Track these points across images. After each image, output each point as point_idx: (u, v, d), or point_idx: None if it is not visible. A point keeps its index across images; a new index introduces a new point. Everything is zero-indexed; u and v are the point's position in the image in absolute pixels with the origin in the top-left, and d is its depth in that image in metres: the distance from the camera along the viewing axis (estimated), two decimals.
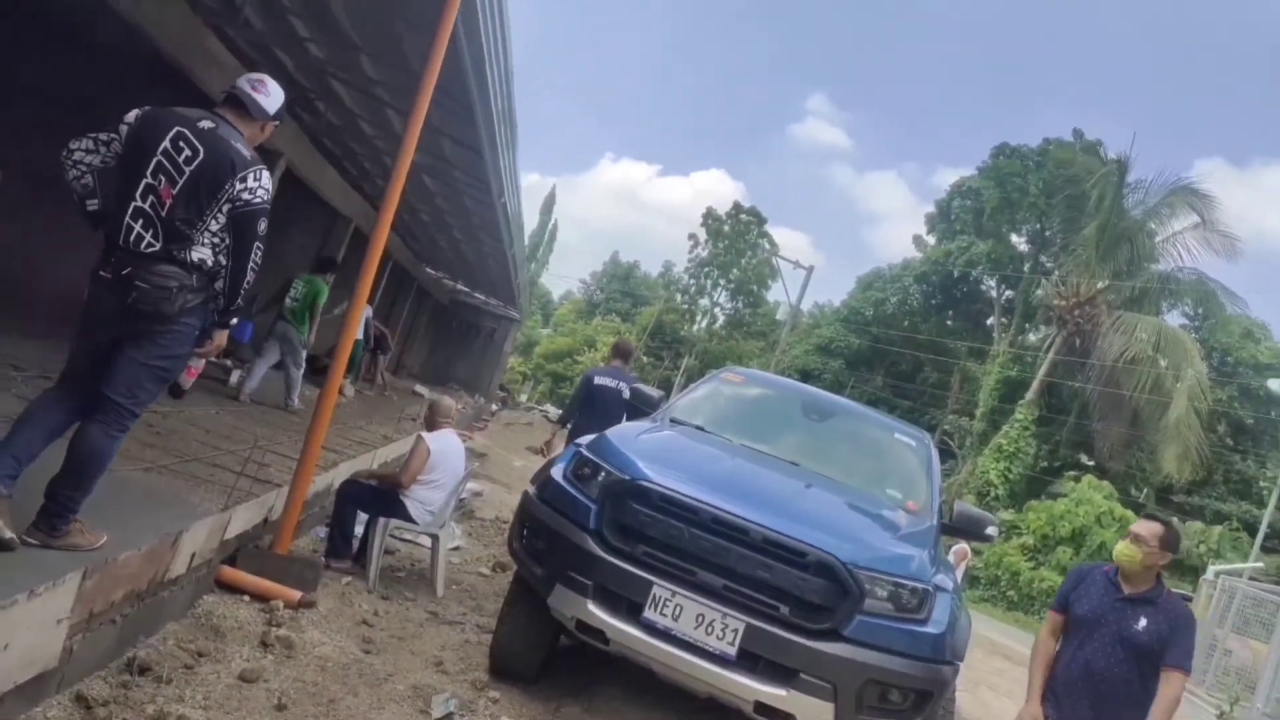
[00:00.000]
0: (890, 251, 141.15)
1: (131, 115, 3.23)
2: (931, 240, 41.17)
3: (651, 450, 4.46)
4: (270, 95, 3.48)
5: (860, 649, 3.69)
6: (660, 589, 3.77)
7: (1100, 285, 27.72)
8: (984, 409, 32.81)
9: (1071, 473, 30.20)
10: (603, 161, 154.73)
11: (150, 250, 3.15)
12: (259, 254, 3.36)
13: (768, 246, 47.98)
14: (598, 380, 7.13)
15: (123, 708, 3.08)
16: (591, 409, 6.83)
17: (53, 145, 3.29)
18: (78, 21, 8.24)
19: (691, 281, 50.82)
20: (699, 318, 51.36)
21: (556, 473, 4.38)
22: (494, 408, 28.38)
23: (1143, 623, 3.80)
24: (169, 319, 3.20)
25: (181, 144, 3.19)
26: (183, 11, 7.36)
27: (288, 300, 9.18)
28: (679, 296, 52.45)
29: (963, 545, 13.76)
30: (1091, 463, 30.82)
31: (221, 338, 3.52)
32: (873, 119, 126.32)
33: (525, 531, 4.32)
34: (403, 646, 4.68)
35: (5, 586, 2.65)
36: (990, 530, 5.02)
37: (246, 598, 4.46)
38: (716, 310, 51.12)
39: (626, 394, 6.29)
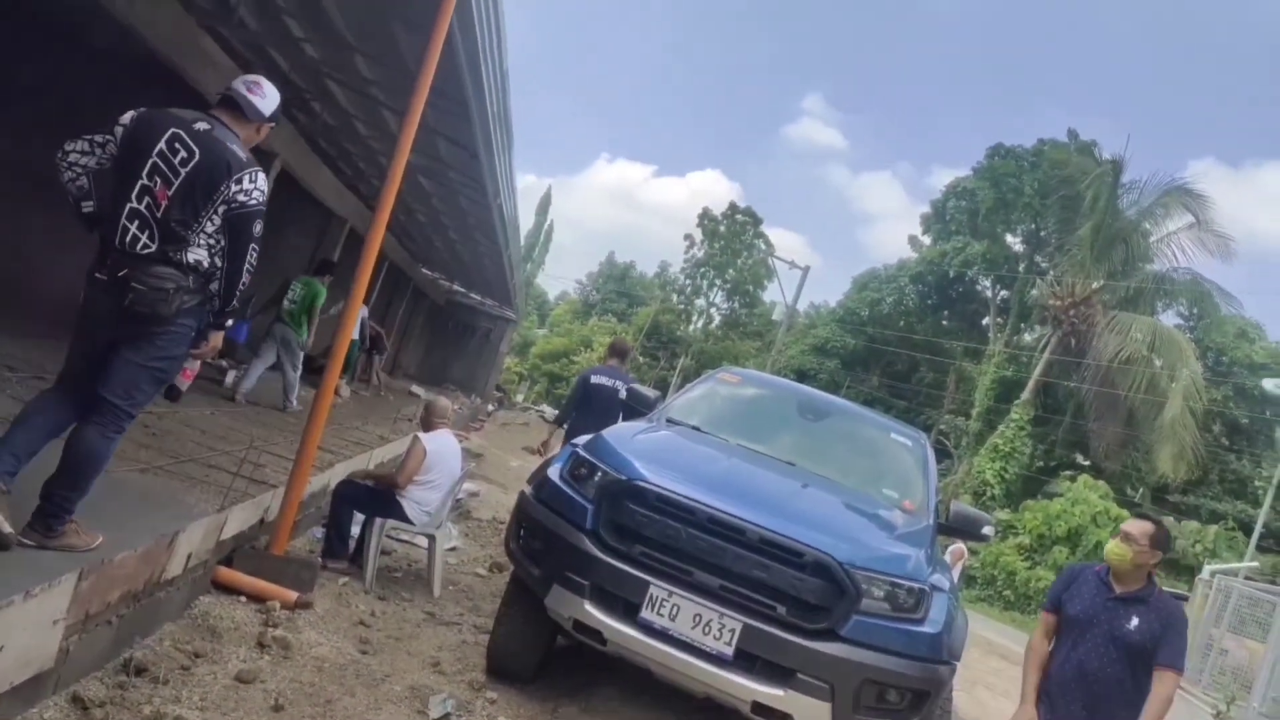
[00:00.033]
0: (886, 252, 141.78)
1: (127, 117, 3.23)
2: (927, 240, 41.27)
3: (648, 450, 4.46)
4: (266, 97, 3.48)
5: (857, 649, 3.70)
6: (657, 589, 3.77)
7: (1095, 285, 27.78)
8: (980, 409, 32.88)
9: (1067, 472, 30.23)
10: (598, 162, 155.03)
11: (146, 252, 3.15)
12: (255, 255, 3.36)
13: (763, 247, 48.08)
14: (594, 379, 7.13)
15: (119, 708, 3.08)
16: (589, 408, 6.84)
17: (50, 145, 3.28)
18: (77, 21, 8.22)
19: (687, 282, 50.90)
20: (695, 318, 51.46)
21: (553, 473, 4.38)
22: (490, 408, 28.36)
23: (1135, 622, 3.80)
24: (165, 320, 3.20)
25: (177, 145, 3.18)
26: (176, 12, 7.36)
27: (286, 303, 9.16)
28: (675, 297, 52.53)
29: (959, 545, 13.80)
30: (1087, 462, 30.87)
31: (217, 339, 3.52)
32: (868, 119, 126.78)
33: (522, 532, 4.32)
34: (400, 647, 4.68)
35: (1, 587, 2.65)
36: (986, 530, 5.03)
37: (243, 598, 4.45)
38: (712, 310, 51.24)
39: (623, 393, 6.30)
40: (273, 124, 3.58)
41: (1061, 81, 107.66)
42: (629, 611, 3.80)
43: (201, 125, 3.26)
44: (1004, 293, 38.58)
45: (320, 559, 5.55)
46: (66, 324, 3.44)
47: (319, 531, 6.19)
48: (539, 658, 4.56)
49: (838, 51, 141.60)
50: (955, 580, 5.34)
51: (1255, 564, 19.17)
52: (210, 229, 3.25)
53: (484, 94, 7.04)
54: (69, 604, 2.96)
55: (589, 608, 3.84)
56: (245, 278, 3.36)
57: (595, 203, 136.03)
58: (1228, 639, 12.94)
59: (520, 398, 46.79)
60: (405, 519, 5.79)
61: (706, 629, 3.71)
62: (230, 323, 3.53)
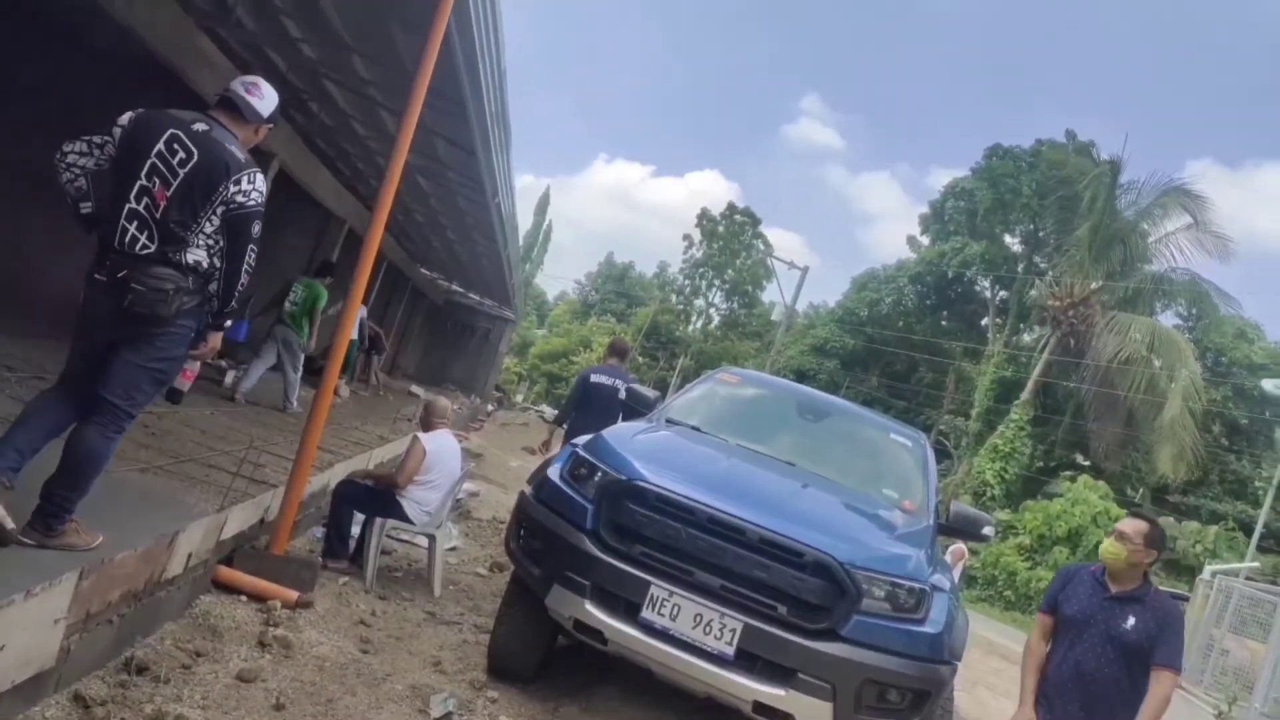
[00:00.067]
0: (884, 252, 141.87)
1: (125, 117, 3.23)
2: (925, 241, 41.28)
3: (648, 450, 4.46)
4: (264, 98, 3.48)
5: (858, 649, 3.70)
6: (658, 589, 3.77)
7: (1094, 286, 27.80)
8: (979, 409, 32.90)
9: (1067, 473, 30.26)
10: (597, 162, 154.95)
11: (145, 252, 3.15)
12: (253, 256, 3.36)
13: (762, 247, 48.13)
14: (594, 379, 7.13)
15: (120, 707, 3.08)
16: (588, 408, 6.83)
17: (50, 146, 3.28)
18: (76, 22, 8.23)
19: (686, 282, 50.92)
20: (694, 318, 51.47)
21: (553, 473, 4.38)
22: (490, 408, 28.35)
23: (1131, 621, 3.79)
24: (165, 321, 3.20)
25: (176, 146, 3.18)
26: (174, 13, 7.36)
27: (287, 304, 9.16)
28: (674, 297, 52.55)
29: (960, 545, 13.80)
30: (1087, 463, 30.90)
31: (216, 340, 3.52)
32: (866, 120, 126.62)
33: (522, 532, 4.32)
34: (400, 646, 4.68)
35: (2, 587, 2.65)
36: (987, 530, 5.03)
37: (244, 598, 4.45)
38: (711, 311, 51.27)
39: (623, 393, 6.30)
40: (271, 125, 3.58)
41: (1060, 82, 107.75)
42: (630, 611, 3.79)
43: (200, 126, 3.26)
44: (1003, 293, 38.59)
45: (320, 559, 5.55)
46: (66, 324, 3.44)
47: (319, 531, 6.19)
48: (540, 657, 4.56)
49: (836, 52, 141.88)
50: (956, 580, 5.34)
51: (1256, 564, 19.17)
52: (209, 230, 3.25)
53: (482, 94, 7.04)
54: (70, 603, 2.96)
55: (590, 607, 3.84)
56: (244, 278, 3.36)
57: (594, 203, 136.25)
58: (1229, 639, 12.92)
59: (519, 398, 46.79)
60: (405, 519, 5.79)
61: (707, 629, 3.71)
62: (229, 323, 3.53)
